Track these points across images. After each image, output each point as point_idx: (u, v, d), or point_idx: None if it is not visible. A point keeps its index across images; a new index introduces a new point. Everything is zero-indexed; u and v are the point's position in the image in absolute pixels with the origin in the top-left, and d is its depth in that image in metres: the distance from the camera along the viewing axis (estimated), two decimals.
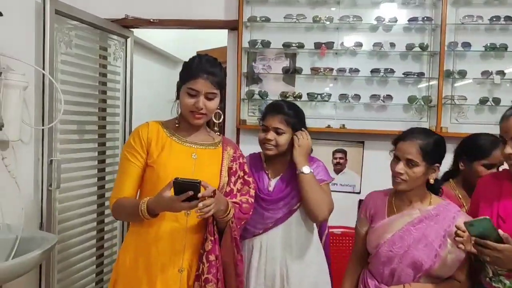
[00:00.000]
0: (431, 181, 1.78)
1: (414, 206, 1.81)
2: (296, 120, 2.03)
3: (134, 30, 3.36)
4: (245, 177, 1.88)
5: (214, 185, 1.67)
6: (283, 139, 2.00)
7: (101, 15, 3.03)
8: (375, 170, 2.98)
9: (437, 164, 1.78)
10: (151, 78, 4.43)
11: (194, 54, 1.86)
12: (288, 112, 2.01)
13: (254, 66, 3.17)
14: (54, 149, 2.59)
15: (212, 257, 1.68)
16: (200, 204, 1.51)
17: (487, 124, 2.91)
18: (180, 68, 1.78)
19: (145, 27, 3.26)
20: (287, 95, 3.09)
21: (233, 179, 1.83)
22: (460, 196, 2.21)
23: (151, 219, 1.64)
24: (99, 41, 3.09)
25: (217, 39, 3.59)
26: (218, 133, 1.90)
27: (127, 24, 3.23)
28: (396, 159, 1.79)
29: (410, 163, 1.74)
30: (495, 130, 2.88)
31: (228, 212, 1.70)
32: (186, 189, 1.48)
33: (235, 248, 1.75)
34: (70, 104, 2.69)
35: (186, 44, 4.34)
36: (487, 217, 1.46)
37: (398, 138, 1.82)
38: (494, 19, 2.89)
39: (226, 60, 3.22)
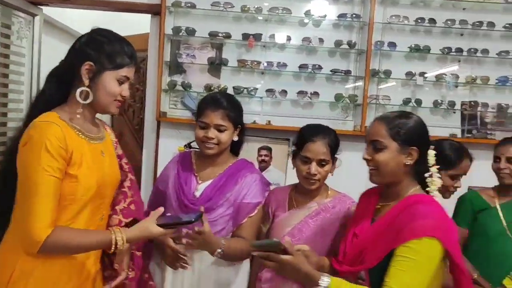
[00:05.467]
0: (331, 175, 1.83)
1: (313, 200, 1.83)
2: (237, 114, 1.85)
3: (44, 8, 3.02)
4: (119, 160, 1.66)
5: (118, 180, 1.54)
6: (226, 137, 1.79)
7: None
8: None
9: (337, 158, 1.84)
10: None
11: None
12: (229, 107, 1.81)
13: (177, 55, 2.97)
14: None
15: None
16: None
17: None
18: None
19: (57, 5, 2.94)
20: (212, 88, 2.93)
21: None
22: None
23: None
24: (1, 17, 2.73)
25: (141, 24, 3.34)
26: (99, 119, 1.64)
27: (35, 0, 2.88)
28: (304, 160, 1.76)
29: (322, 163, 1.75)
30: None
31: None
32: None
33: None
34: None
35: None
36: (277, 240, 1.38)
37: (303, 140, 1.78)
38: (419, 20, 2.92)
39: (148, 47, 3.00)
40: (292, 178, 2.95)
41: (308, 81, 3.00)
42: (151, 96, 2.99)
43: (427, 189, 1.48)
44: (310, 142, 1.75)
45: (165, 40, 2.91)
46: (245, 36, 2.92)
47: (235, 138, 1.84)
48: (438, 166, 1.51)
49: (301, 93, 2.95)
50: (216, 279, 1.81)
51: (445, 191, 1.95)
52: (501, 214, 2.25)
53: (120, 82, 1.47)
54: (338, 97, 2.95)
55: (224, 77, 3.00)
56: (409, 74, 2.94)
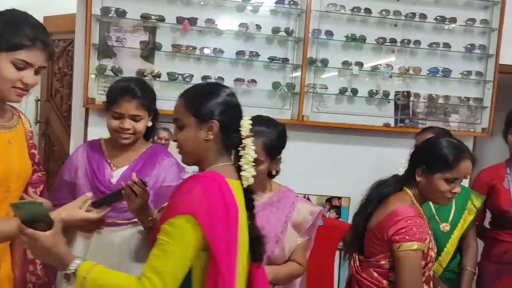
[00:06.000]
0: (274, 172, 1.77)
1: (257, 194, 1.67)
2: (152, 100, 1.81)
3: None
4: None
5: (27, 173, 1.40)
6: (142, 126, 1.77)
7: None
8: None
9: (279, 157, 1.75)
10: None
11: (40, 19, 1.51)
12: (143, 95, 1.75)
13: (107, 38, 2.79)
14: None
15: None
16: None
17: (345, 114, 2.98)
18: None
19: None
20: (145, 73, 2.78)
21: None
22: (422, 211, 1.80)
23: None
24: None
25: (68, 4, 3.11)
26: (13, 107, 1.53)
27: None
28: None
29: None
30: (352, 120, 2.98)
31: None
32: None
33: None
34: None
35: (32, 8, 3.72)
36: (39, 201, 1.25)
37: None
38: (355, 10, 2.93)
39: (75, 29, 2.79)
40: None
41: (245, 68, 2.93)
42: (78, 81, 2.79)
43: (239, 162, 1.33)
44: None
45: (93, 21, 2.72)
46: (180, 20, 2.79)
47: (149, 124, 1.81)
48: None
49: (238, 80, 2.87)
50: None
51: (441, 197, 1.74)
52: None
53: (18, 67, 1.33)
54: (276, 85, 2.91)
55: (158, 63, 2.85)
56: (346, 64, 2.95)
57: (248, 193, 1.34)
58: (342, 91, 2.96)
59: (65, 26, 3.44)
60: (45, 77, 4.01)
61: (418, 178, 1.76)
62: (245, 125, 1.33)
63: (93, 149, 1.84)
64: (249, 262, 1.34)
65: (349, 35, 2.94)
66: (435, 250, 1.76)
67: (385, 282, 1.71)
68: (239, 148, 1.33)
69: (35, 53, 1.34)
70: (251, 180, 1.33)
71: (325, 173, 3.00)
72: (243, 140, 1.32)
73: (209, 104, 1.29)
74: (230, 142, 1.32)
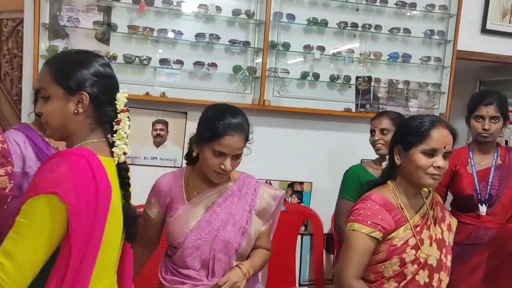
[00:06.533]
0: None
1: (214, 185, 1.66)
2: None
3: None
4: None
5: None
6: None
7: None
8: None
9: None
10: None
11: None
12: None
13: (58, 17, 2.64)
14: None
15: None
16: None
17: (307, 98, 2.96)
18: None
19: None
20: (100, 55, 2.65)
21: None
22: (402, 206, 1.62)
23: None
24: None
25: None
26: None
27: None
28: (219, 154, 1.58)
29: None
30: (314, 105, 2.97)
31: None
32: None
33: None
34: None
35: None
36: None
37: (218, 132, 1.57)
38: None
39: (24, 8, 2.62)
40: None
41: (205, 51, 2.84)
42: (28, 64, 2.63)
43: (112, 138, 1.23)
44: (228, 136, 1.55)
45: None
46: (136, 0, 2.67)
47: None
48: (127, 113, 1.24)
49: (198, 64, 2.79)
50: None
51: (424, 175, 1.55)
52: None
53: None
54: (237, 69, 2.84)
55: (113, 44, 2.72)
56: (307, 48, 2.92)
57: (122, 170, 1.24)
58: (304, 76, 2.93)
59: (15, 4, 3.24)
60: None
61: (397, 161, 1.61)
62: (121, 98, 1.23)
63: (29, 133, 1.83)
64: (122, 241, 1.28)
65: (311, 18, 2.90)
66: (437, 257, 1.60)
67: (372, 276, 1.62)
68: (113, 123, 1.22)
69: None
70: (123, 158, 1.23)
71: (287, 159, 2.98)
72: (118, 115, 1.22)
73: (79, 74, 1.17)
74: (104, 117, 1.21)
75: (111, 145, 1.22)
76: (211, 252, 1.62)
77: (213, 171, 1.58)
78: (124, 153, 1.23)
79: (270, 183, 2.85)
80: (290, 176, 3.02)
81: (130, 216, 1.26)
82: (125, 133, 1.23)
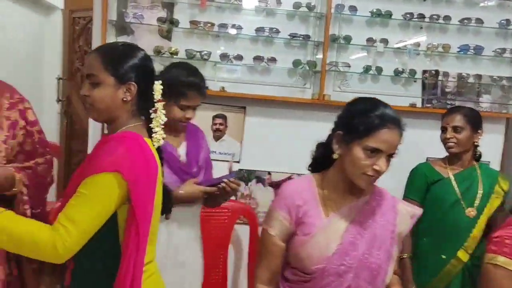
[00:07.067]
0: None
1: (355, 198, 1.40)
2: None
3: None
4: (28, 127, 1.53)
5: None
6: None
7: None
8: (257, 138, 2.80)
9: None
10: (5, 23, 3.71)
11: None
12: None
13: (125, 14, 2.73)
14: None
15: None
16: None
17: (369, 93, 2.83)
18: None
19: None
20: (163, 51, 2.72)
21: (12, 132, 1.46)
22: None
23: None
24: None
25: None
26: None
27: None
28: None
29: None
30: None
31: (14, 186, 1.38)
32: None
33: None
34: None
35: None
36: None
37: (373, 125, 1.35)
38: None
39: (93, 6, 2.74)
40: (248, 148, 2.80)
41: (265, 45, 2.83)
42: None
43: (150, 125, 1.37)
44: (386, 129, 1.33)
45: None
46: None
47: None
48: (164, 101, 1.39)
49: (257, 58, 2.78)
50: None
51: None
52: (454, 184, 2.22)
53: None
54: (297, 63, 2.80)
55: (175, 40, 2.78)
56: (370, 41, 2.82)
57: (160, 151, 1.39)
58: (366, 70, 2.83)
59: (86, 3, 3.41)
60: (66, 56, 4.02)
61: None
62: (158, 89, 1.37)
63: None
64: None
65: (374, 10, 2.79)
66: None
67: None
68: (150, 111, 1.36)
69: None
70: (162, 142, 1.37)
71: None
72: (155, 104, 1.36)
73: (129, 66, 1.31)
74: (144, 105, 1.36)
75: (148, 129, 1.37)
76: (355, 281, 1.36)
77: (362, 173, 1.32)
78: (163, 138, 1.38)
79: None
80: None
81: (166, 190, 1.45)
82: (162, 120, 1.37)
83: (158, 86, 1.37)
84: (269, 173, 2.86)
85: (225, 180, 1.81)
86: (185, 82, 1.82)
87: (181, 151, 1.93)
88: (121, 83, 1.30)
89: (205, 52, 2.75)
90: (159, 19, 2.75)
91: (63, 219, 1.18)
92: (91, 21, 3.32)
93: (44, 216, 1.49)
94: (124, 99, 1.31)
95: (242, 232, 2.17)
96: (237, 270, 2.01)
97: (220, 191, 1.84)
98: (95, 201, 1.20)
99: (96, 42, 2.73)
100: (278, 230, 1.40)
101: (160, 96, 1.37)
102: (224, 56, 2.76)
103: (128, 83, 1.30)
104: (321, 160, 1.47)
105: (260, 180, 2.85)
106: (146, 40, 2.74)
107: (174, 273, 1.82)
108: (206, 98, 2.72)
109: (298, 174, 2.81)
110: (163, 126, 1.37)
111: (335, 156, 1.38)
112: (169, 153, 1.82)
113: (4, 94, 1.47)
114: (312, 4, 2.77)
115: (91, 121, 2.87)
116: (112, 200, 1.21)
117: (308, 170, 1.52)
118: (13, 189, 1.38)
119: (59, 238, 1.15)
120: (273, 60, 2.80)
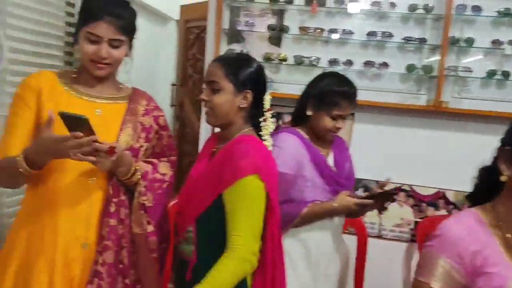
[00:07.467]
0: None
1: None
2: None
3: None
4: (160, 131, 1.60)
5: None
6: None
7: None
8: (367, 146, 2.69)
9: None
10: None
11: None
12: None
13: (237, 23, 2.82)
14: None
15: (113, 221, 1.40)
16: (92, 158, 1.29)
17: (493, 100, 2.60)
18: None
19: None
20: (272, 57, 2.76)
21: (143, 135, 1.53)
22: None
23: (40, 173, 1.34)
24: None
25: None
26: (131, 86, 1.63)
27: None
28: None
29: None
30: (504, 108, 2.59)
31: (131, 174, 1.42)
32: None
33: (144, 217, 1.44)
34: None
35: None
36: (84, 117, 1.24)
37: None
38: None
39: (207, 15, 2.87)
40: (355, 156, 2.73)
41: (376, 50, 2.72)
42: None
43: (260, 133, 1.46)
44: None
45: (224, 6, 2.76)
46: (308, 1, 2.70)
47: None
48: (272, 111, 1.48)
49: (368, 63, 2.69)
50: None
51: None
52: None
53: (91, 41, 1.40)
54: (411, 68, 2.65)
55: (284, 46, 2.80)
56: (496, 43, 2.57)
57: None
58: (490, 74, 2.59)
59: (199, 14, 3.59)
60: (179, 64, 4.26)
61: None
62: (267, 99, 1.47)
63: (303, 140, 1.84)
64: None
65: (502, 9, 2.54)
66: None
67: None
68: (260, 120, 1.46)
69: (102, 24, 1.38)
70: (271, 148, 1.48)
71: (466, 166, 2.66)
72: (265, 113, 1.46)
73: (247, 75, 1.41)
74: (255, 112, 1.45)
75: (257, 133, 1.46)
76: None
77: None
78: (273, 145, 1.49)
79: (444, 194, 2.61)
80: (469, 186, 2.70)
81: None
82: (271, 129, 1.47)
83: (268, 96, 1.47)
84: (376, 182, 2.74)
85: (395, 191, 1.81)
86: (339, 92, 1.79)
87: (330, 161, 1.90)
88: (239, 91, 1.40)
89: (314, 57, 2.72)
90: (269, 26, 2.79)
91: (234, 230, 1.30)
92: (204, 30, 3.48)
93: (164, 212, 1.54)
94: (241, 105, 1.41)
95: (349, 243, 2.08)
96: (342, 284, 1.93)
97: (377, 203, 1.79)
98: (253, 207, 1.31)
99: (209, 50, 2.84)
100: (443, 282, 1.10)
101: (269, 105, 1.47)
102: (333, 62, 2.71)
103: (245, 91, 1.41)
104: (486, 188, 1.21)
105: (367, 189, 2.74)
106: (256, 47, 2.80)
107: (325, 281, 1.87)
108: None
109: (409, 185, 2.67)
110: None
111: (503, 178, 1.11)
112: (324, 161, 1.84)
113: (141, 101, 1.57)
114: (429, 5, 2.61)
115: (202, 126, 3.00)
116: (262, 201, 1.32)
117: (467, 202, 1.28)
118: (132, 178, 1.42)
119: (242, 257, 1.28)
120: (384, 65, 2.68)
